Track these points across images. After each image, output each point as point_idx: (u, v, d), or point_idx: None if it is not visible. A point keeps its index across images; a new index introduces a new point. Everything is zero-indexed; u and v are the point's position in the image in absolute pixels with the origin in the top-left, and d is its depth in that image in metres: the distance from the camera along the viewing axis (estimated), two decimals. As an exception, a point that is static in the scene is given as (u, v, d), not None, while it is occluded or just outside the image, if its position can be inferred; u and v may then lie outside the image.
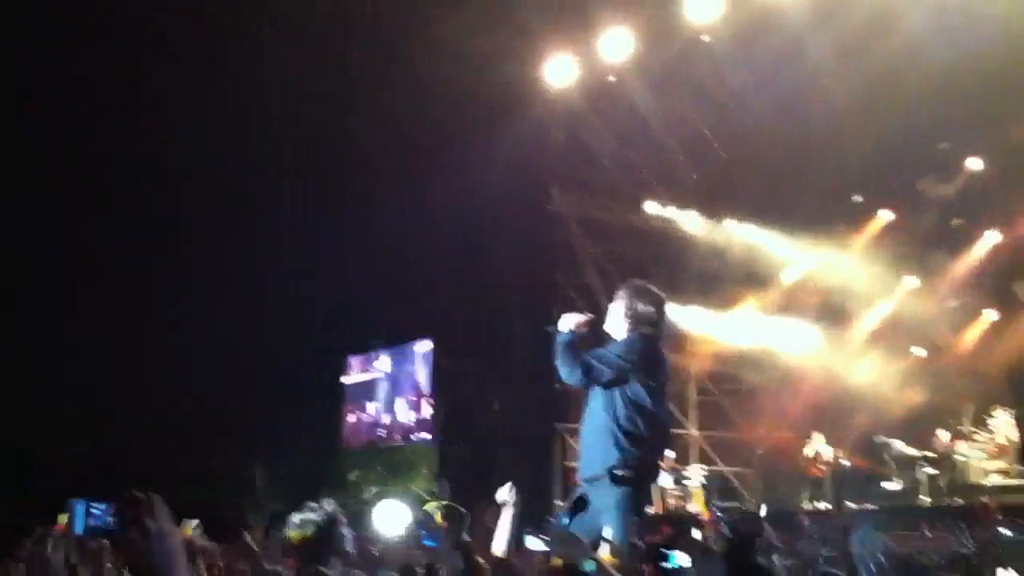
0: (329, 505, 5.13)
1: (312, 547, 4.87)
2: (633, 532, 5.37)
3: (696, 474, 17.24)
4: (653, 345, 5.87)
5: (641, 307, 5.88)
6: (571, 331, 5.80)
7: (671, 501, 16.85)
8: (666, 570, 4.06)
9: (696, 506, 16.64)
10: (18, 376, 17.69)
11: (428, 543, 4.69)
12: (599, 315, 6.21)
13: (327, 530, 4.95)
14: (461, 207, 16.32)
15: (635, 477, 5.69)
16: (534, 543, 5.08)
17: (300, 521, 5.01)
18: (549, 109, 16.26)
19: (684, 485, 17.13)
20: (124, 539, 2.14)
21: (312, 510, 5.02)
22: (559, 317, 5.96)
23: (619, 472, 5.65)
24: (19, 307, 17.72)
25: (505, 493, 5.59)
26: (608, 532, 5.13)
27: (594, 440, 5.90)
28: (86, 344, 18.38)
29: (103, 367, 18.58)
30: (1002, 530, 8.28)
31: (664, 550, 4.05)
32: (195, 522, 6.89)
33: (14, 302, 17.44)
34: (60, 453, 18.35)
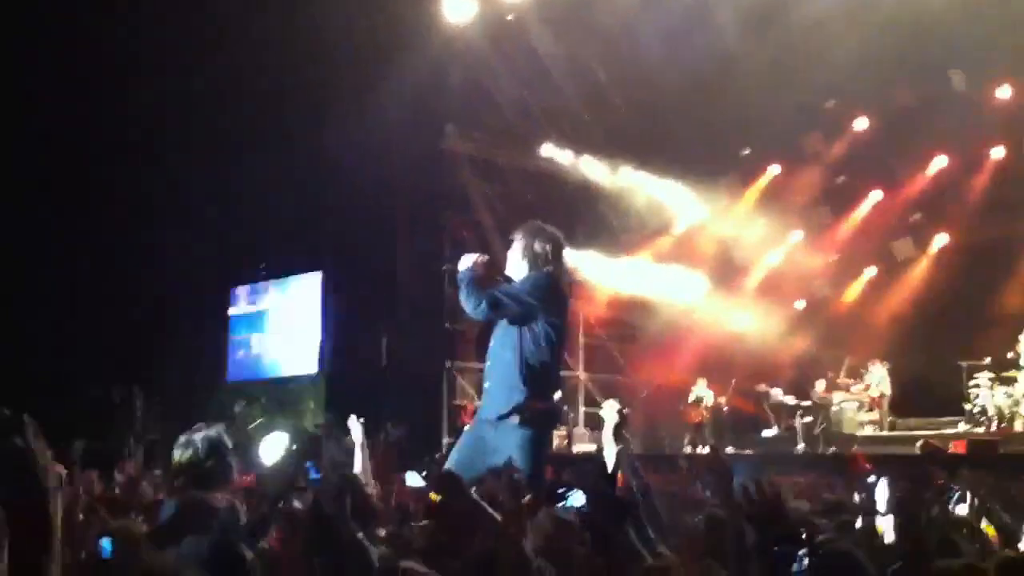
0: (214, 430, 4.98)
1: (196, 471, 4.72)
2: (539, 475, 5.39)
3: (609, 411, 17.49)
4: (556, 283, 5.88)
5: (538, 246, 5.88)
6: (470, 268, 5.78)
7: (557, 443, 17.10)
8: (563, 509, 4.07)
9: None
10: None
11: (314, 475, 4.58)
12: (491, 255, 6.20)
13: (213, 454, 4.80)
14: (354, 142, 16.00)
15: (543, 418, 5.70)
16: (414, 479, 5.05)
17: (185, 442, 4.84)
18: (446, 47, 15.99)
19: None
20: None
21: (197, 431, 4.86)
22: (449, 255, 6.00)
23: (527, 413, 5.64)
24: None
25: (353, 425, 5.58)
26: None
27: (500, 379, 5.87)
28: None
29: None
30: (871, 480, 8.53)
31: (561, 490, 4.07)
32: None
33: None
34: None
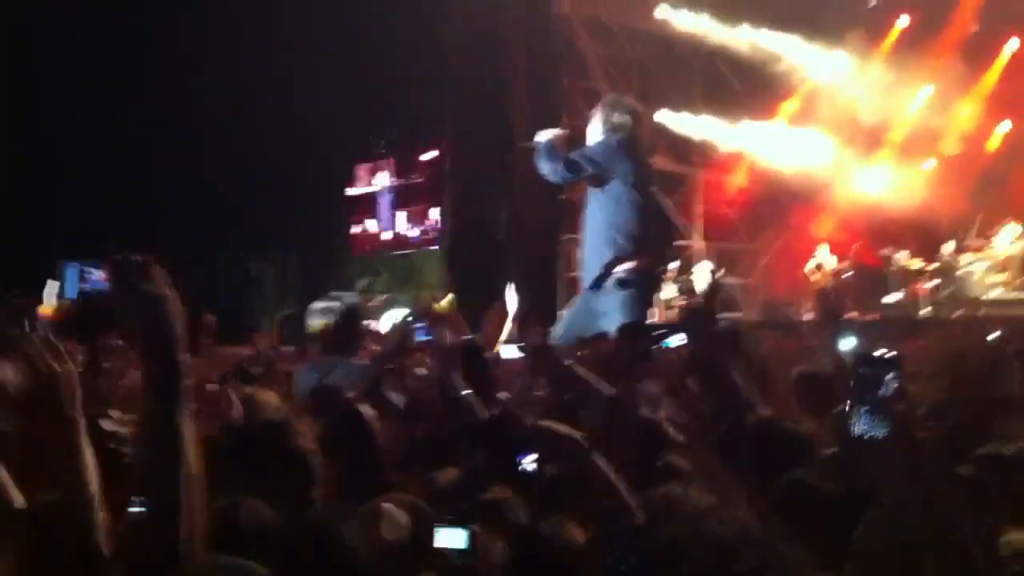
0: (351, 297, 5.09)
1: (335, 336, 4.84)
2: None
3: (703, 273, 17.42)
4: (628, 146, 5.90)
5: (616, 118, 6.01)
6: (548, 140, 5.86)
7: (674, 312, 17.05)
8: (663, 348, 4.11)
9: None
10: (24, 131, 17.30)
11: (423, 337, 4.70)
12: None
13: (350, 320, 4.91)
14: (466, 9, 15.84)
15: (636, 279, 5.75)
16: (509, 351, 5.11)
17: (323, 309, 4.93)
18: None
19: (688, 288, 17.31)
20: (120, 302, 2.05)
21: (334, 299, 4.94)
22: (567, 123, 6.09)
23: (619, 275, 5.71)
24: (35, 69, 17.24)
25: (509, 295, 5.68)
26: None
27: (591, 247, 6.00)
28: (100, 114, 18.03)
29: (115, 142, 18.31)
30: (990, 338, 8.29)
31: (661, 332, 4.10)
32: None
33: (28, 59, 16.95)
34: (56, 213, 18.01)
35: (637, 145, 6.03)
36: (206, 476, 2.18)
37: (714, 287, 5.12)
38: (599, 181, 5.83)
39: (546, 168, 5.88)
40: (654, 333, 4.31)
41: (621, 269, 5.73)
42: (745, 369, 4.39)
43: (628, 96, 6.22)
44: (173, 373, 2.03)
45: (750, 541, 1.96)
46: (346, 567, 2.15)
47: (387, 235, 22.50)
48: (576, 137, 6.15)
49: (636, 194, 5.83)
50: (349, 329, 4.80)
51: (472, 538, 2.40)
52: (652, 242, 5.98)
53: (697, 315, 4.29)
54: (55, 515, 2.11)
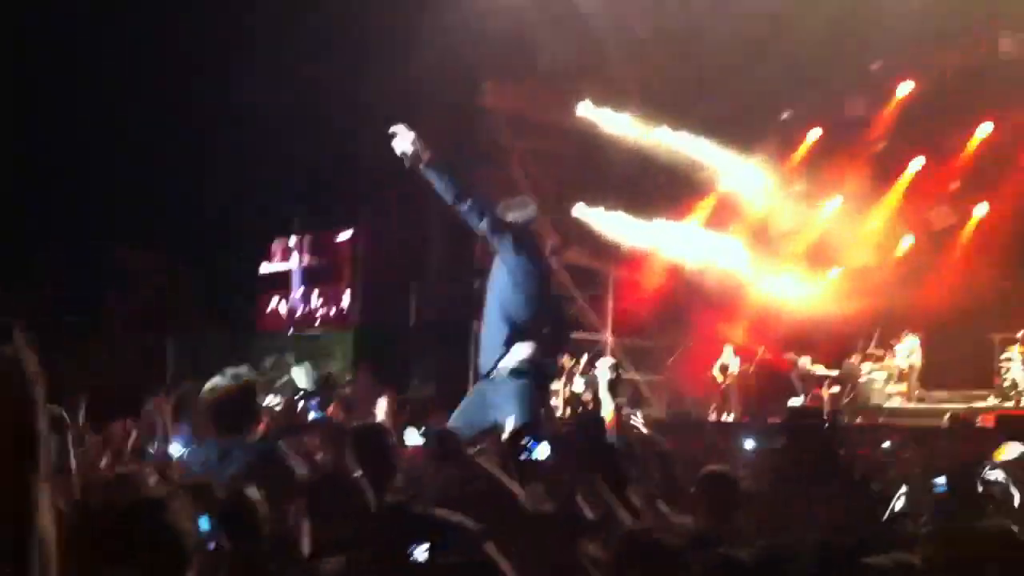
0: (247, 373, 4.90)
1: (228, 410, 4.64)
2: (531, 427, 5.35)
3: (604, 368, 17.43)
4: (524, 239, 5.91)
5: (515, 216, 6.00)
6: (415, 148, 5.75)
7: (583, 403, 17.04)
8: (528, 460, 4.00)
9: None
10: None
11: (315, 414, 4.55)
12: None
13: (245, 397, 4.72)
14: (387, 96, 15.91)
15: (528, 370, 5.68)
16: (413, 436, 4.96)
17: (213, 386, 4.75)
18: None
19: (593, 383, 17.33)
20: None
21: (229, 376, 4.76)
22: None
23: (511, 364, 5.65)
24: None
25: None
26: (508, 424, 5.11)
27: (487, 335, 5.93)
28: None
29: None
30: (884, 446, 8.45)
31: (526, 439, 3.98)
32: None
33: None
34: None
35: (532, 240, 6.03)
36: (73, 551, 2.04)
37: (617, 393, 5.08)
38: (494, 231, 5.81)
39: (439, 184, 5.79)
40: (522, 441, 4.22)
41: (513, 358, 5.66)
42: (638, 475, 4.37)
43: (529, 197, 6.21)
44: (27, 439, 1.90)
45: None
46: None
47: (297, 314, 22.20)
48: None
49: (529, 285, 5.78)
50: (244, 407, 4.61)
51: None
52: (545, 334, 5.92)
53: (582, 428, 4.25)
54: None
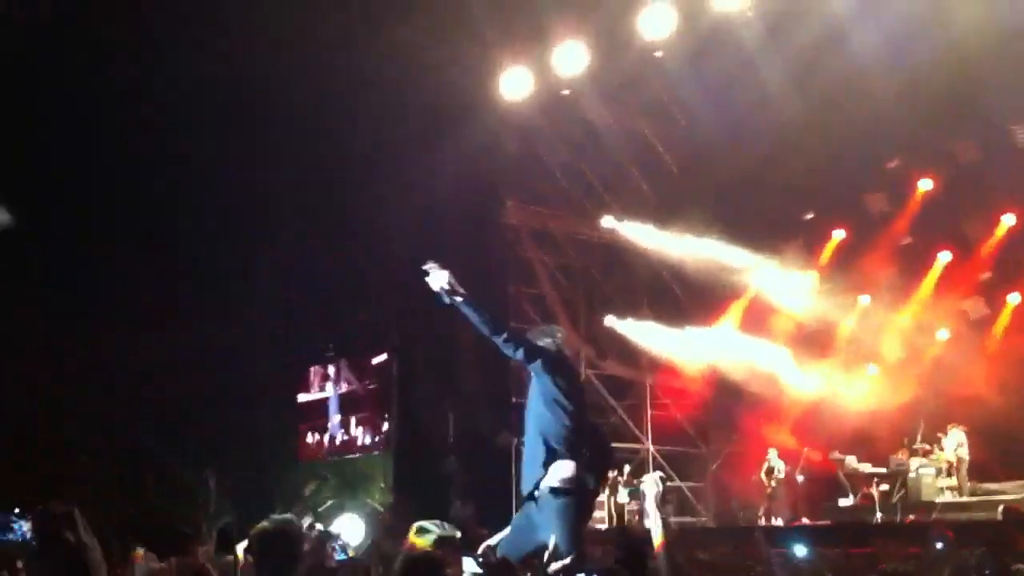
0: (291, 518, 4.96)
1: (271, 554, 4.71)
2: (575, 545, 5.35)
3: (650, 481, 17.23)
4: (556, 362, 6.05)
5: (543, 341, 6.16)
6: (449, 287, 5.88)
7: (628, 516, 16.87)
8: None
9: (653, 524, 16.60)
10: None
11: (340, 557, 4.58)
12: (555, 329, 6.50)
13: (282, 543, 4.81)
14: (414, 220, 16.25)
15: (570, 488, 5.72)
16: (470, 565, 4.95)
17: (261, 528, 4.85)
18: (503, 121, 16.21)
19: (639, 497, 17.19)
20: (42, 553, 2.03)
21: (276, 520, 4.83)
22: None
23: (552, 484, 5.70)
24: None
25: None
26: (551, 544, 5.12)
27: (528, 455, 6.01)
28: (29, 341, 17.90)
29: (40, 370, 18.16)
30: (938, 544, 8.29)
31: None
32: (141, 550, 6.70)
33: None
34: None
35: (564, 362, 6.17)
36: None
37: (664, 507, 5.08)
38: (531, 360, 5.95)
39: (474, 319, 5.92)
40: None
41: (554, 477, 5.72)
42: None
43: (557, 322, 6.39)
44: None
45: None
46: None
47: (336, 440, 22.24)
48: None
49: (564, 406, 5.90)
50: (286, 551, 4.67)
51: None
52: (585, 452, 5.98)
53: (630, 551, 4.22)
54: None
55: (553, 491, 5.66)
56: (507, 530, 6.07)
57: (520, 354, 6.13)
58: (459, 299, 5.94)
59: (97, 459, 17.93)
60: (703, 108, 15.76)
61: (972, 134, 15.85)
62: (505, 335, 6.11)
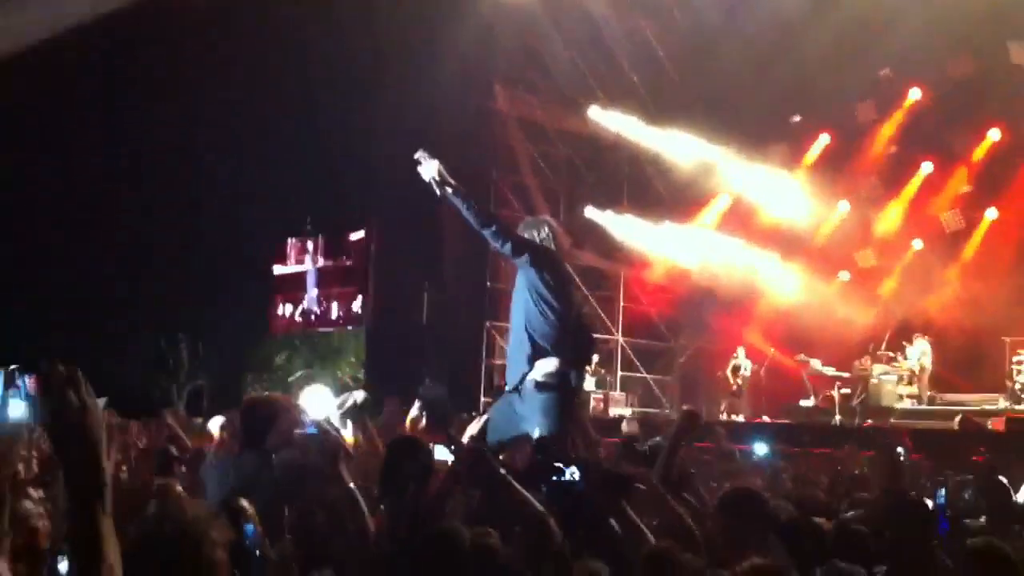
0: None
1: (255, 425, 4.85)
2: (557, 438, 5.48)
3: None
4: (545, 256, 6.08)
5: (540, 234, 6.18)
6: (439, 178, 5.92)
7: (592, 405, 17.18)
8: (560, 484, 4.10)
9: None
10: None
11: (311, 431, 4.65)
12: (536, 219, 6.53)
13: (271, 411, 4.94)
14: (402, 99, 16.07)
15: (554, 383, 5.84)
16: (442, 452, 5.05)
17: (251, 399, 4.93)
18: (497, 8, 15.93)
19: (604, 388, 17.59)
20: (48, 412, 2.09)
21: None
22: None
23: (537, 378, 5.81)
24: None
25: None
26: (535, 435, 5.25)
27: (512, 349, 6.11)
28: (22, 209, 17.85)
29: (31, 235, 18.14)
30: (900, 450, 8.51)
31: (558, 464, 4.09)
32: (103, 400, 6.73)
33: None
34: None
35: (551, 257, 6.21)
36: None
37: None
38: (518, 254, 6.01)
39: (464, 211, 5.98)
40: (555, 463, 4.32)
41: (539, 372, 5.82)
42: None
43: (546, 215, 6.41)
44: (95, 477, 2.08)
45: None
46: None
47: (311, 314, 22.39)
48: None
49: (550, 301, 5.96)
50: (269, 422, 4.78)
51: None
52: (570, 348, 6.08)
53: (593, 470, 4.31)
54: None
55: (537, 385, 5.78)
56: (486, 418, 6.21)
57: (508, 248, 6.18)
58: (449, 190, 5.95)
59: (71, 319, 18.04)
60: (703, 5, 15.54)
61: (967, 48, 15.76)
62: (494, 227, 6.15)
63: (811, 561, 3.58)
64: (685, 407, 7.53)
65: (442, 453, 4.72)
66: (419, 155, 5.96)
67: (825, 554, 3.73)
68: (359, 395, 5.61)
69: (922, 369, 16.31)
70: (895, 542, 3.93)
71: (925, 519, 4.12)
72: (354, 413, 5.44)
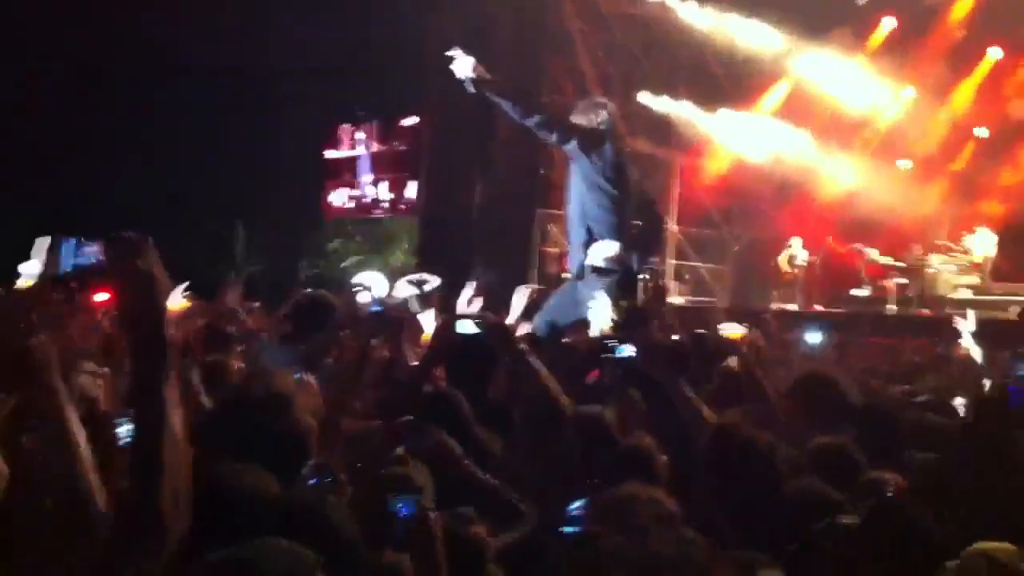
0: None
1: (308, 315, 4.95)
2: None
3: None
4: (604, 140, 5.97)
5: (593, 119, 6.05)
6: (475, 75, 5.80)
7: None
8: (615, 359, 4.11)
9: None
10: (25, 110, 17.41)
11: (375, 308, 4.69)
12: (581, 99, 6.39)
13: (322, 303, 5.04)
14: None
15: (615, 268, 5.81)
16: (466, 326, 5.02)
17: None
18: None
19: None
20: (116, 278, 2.13)
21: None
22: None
23: (597, 263, 5.78)
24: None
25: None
26: (593, 319, 5.24)
27: (572, 239, 6.07)
28: (88, 94, 18.07)
29: (102, 121, 18.37)
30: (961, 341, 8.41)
31: (611, 343, 4.10)
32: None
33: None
34: (50, 187, 18.28)
35: (604, 137, 6.08)
36: (202, 444, 2.26)
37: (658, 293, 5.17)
38: (566, 140, 5.92)
39: (504, 106, 5.89)
40: (606, 340, 4.32)
41: (597, 257, 5.79)
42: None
43: (601, 97, 6.24)
44: (159, 345, 2.11)
45: (686, 563, 2.02)
46: (335, 541, 2.21)
47: (364, 200, 22.45)
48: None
49: (606, 188, 5.88)
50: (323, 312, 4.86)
51: None
52: (632, 231, 6.02)
53: (636, 324, 4.29)
54: (48, 481, 2.18)
55: (596, 271, 5.76)
56: (550, 300, 6.22)
57: (555, 137, 6.08)
58: (485, 87, 5.82)
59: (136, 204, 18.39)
60: None
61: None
62: (537, 118, 6.02)
63: (881, 448, 3.54)
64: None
65: (466, 326, 4.66)
66: (452, 52, 5.82)
67: (898, 443, 3.70)
68: (435, 280, 5.62)
69: (985, 259, 15.98)
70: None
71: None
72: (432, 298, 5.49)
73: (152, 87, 18.51)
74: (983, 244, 15.97)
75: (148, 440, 2.08)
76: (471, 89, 5.80)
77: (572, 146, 6.02)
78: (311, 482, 2.61)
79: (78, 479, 2.15)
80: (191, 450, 2.15)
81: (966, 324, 5.47)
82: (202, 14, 17.76)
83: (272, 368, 4.56)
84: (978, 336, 5.45)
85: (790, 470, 3.05)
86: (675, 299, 17.49)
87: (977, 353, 5.33)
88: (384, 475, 2.58)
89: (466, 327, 4.27)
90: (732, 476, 2.96)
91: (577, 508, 2.63)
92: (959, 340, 6.52)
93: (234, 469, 2.37)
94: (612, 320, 4.75)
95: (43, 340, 2.19)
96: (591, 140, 6.02)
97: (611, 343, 4.00)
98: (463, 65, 5.77)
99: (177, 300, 4.89)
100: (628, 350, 3.94)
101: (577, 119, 6.18)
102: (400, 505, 2.43)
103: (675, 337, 5.66)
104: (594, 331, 4.91)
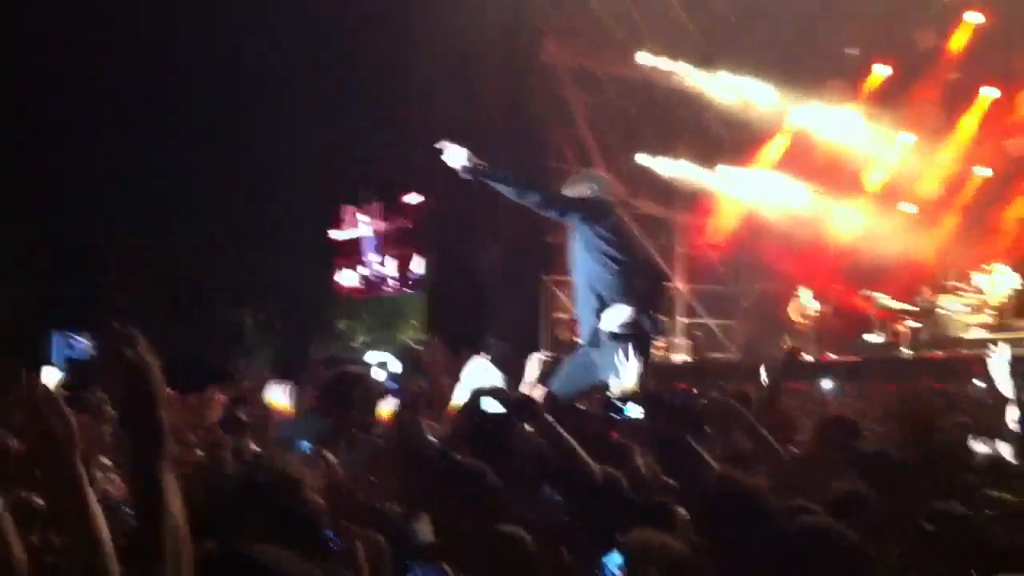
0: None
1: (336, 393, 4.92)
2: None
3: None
4: (598, 208, 6.01)
5: (584, 191, 6.12)
6: (470, 164, 5.83)
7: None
8: (619, 419, 4.10)
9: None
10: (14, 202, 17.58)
11: (391, 385, 4.67)
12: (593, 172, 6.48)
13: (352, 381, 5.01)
14: (453, 58, 16.01)
15: (629, 332, 5.80)
16: (491, 405, 4.97)
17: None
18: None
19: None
20: (108, 371, 2.17)
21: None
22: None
23: (611, 329, 5.78)
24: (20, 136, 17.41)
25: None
26: (612, 384, 5.19)
27: (580, 305, 6.08)
28: (78, 179, 18.23)
29: (93, 204, 18.50)
30: (976, 382, 8.37)
31: (617, 402, 4.09)
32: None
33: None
34: (40, 283, 18.42)
35: (605, 210, 6.13)
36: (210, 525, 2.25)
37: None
38: (569, 214, 5.96)
39: (501, 187, 5.92)
40: (615, 401, 4.29)
41: (611, 323, 5.78)
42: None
43: (594, 167, 6.34)
44: (155, 433, 2.14)
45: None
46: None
47: (372, 278, 22.54)
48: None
49: (610, 254, 5.90)
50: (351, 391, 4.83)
51: None
52: (640, 294, 6.01)
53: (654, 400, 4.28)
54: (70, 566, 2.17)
55: (613, 336, 5.73)
56: (565, 365, 6.19)
57: (555, 212, 6.11)
58: (480, 174, 5.86)
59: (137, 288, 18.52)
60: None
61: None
62: (537, 197, 6.06)
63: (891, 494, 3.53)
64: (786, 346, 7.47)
65: (490, 405, 4.61)
66: (440, 144, 5.86)
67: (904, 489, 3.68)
68: (539, 355, 5.55)
69: (1011, 296, 15.77)
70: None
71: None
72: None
73: (151, 177, 18.68)
74: (1004, 281, 15.77)
75: (147, 527, 2.08)
76: (467, 177, 5.85)
77: (574, 218, 6.04)
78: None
79: (102, 563, 2.14)
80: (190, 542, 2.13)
81: (1000, 353, 5.35)
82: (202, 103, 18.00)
83: (288, 441, 4.55)
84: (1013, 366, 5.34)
85: (792, 514, 3.04)
86: (684, 357, 17.45)
87: (1007, 386, 5.22)
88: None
89: (491, 404, 4.23)
90: (731, 523, 2.95)
91: (614, 564, 2.63)
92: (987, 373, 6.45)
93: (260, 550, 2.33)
94: (639, 380, 4.72)
95: (72, 426, 2.21)
96: (593, 211, 6.04)
97: (618, 403, 3.98)
98: (455, 155, 5.83)
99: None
100: (635, 411, 3.93)
101: (569, 191, 6.22)
102: None
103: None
104: (615, 391, 4.87)
